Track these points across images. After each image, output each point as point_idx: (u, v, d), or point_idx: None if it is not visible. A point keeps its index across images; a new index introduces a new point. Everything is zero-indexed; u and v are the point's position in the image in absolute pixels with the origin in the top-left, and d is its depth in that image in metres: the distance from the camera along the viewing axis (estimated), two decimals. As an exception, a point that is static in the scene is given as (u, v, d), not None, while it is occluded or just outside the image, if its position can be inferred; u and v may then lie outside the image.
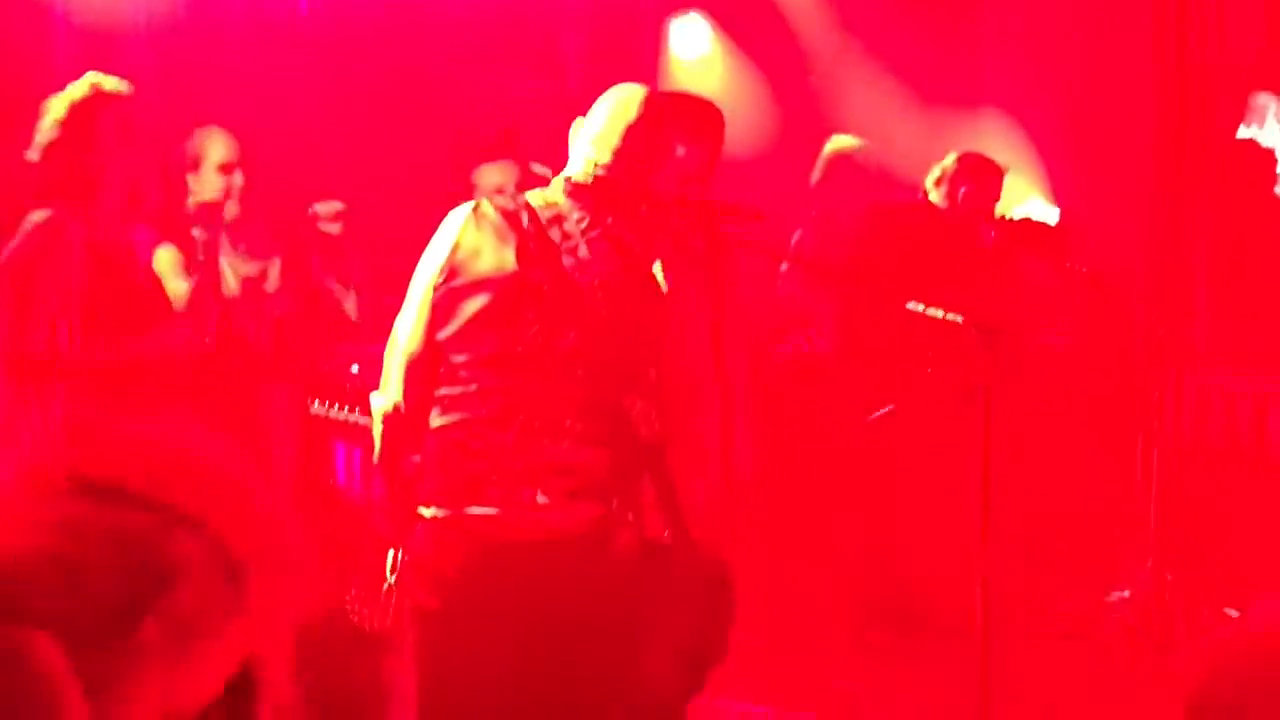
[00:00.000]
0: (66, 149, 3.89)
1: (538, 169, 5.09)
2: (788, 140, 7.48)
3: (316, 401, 5.28)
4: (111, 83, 3.98)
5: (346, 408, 5.17)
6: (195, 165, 4.63)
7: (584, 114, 3.50)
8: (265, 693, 1.48)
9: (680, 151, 3.81)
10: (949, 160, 6.23)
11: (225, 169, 4.62)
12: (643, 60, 7.87)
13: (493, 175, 5.45)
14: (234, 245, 4.72)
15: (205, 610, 1.42)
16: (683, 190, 3.79)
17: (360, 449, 6.12)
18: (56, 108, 3.92)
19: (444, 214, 3.44)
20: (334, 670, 5.39)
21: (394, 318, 3.46)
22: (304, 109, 6.61)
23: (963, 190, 6.11)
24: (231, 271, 4.66)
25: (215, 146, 4.62)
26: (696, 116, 3.92)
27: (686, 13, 8.06)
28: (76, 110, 3.91)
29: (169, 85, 5.88)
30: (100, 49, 5.83)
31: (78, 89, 3.95)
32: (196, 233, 4.61)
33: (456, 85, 7.29)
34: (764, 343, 6.58)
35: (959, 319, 3.64)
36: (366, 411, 3.68)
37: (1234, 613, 5.82)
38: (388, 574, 3.49)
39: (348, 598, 5.47)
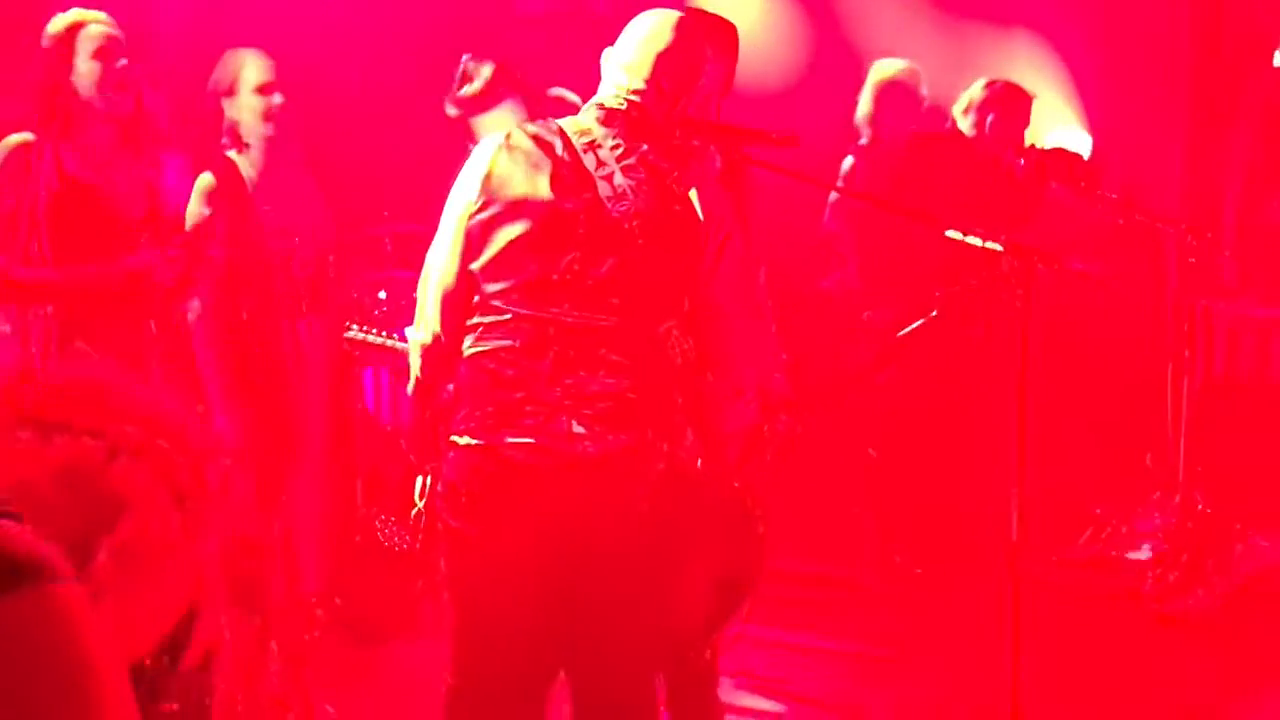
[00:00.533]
0: (46, 78, 4.05)
1: (564, 94, 5.00)
2: (820, 65, 7.40)
3: (354, 327, 5.27)
4: (91, 15, 4.10)
5: (383, 332, 5.16)
6: (231, 90, 4.57)
7: (610, 37, 3.47)
8: (201, 636, 1.47)
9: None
10: (976, 88, 6.17)
11: (264, 90, 4.56)
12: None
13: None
14: (269, 170, 4.65)
15: (155, 538, 1.40)
16: (703, 111, 3.75)
17: (389, 374, 6.14)
18: (44, 38, 4.10)
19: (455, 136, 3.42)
20: (364, 593, 5.45)
21: (416, 247, 3.44)
22: (328, 34, 6.57)
23: (990, 118, 6.06)
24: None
25: (251, 68, 4.55)
26: (717, 35, 3.87)
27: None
28: (57, 41, 4.06)
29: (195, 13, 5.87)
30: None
31: (59, 21, 4.10)
32: (233, 155, 4.58)
33: (480, 8, 7.25)
34: (805, 273, 6.56)
35: (998, 247, 3.62)
36: (402, 336, 3.68)
37: (1265, 543, 5.84)
38: (417, 499, 3.51)
39: (378, 521, 5.53)
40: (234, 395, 4.45)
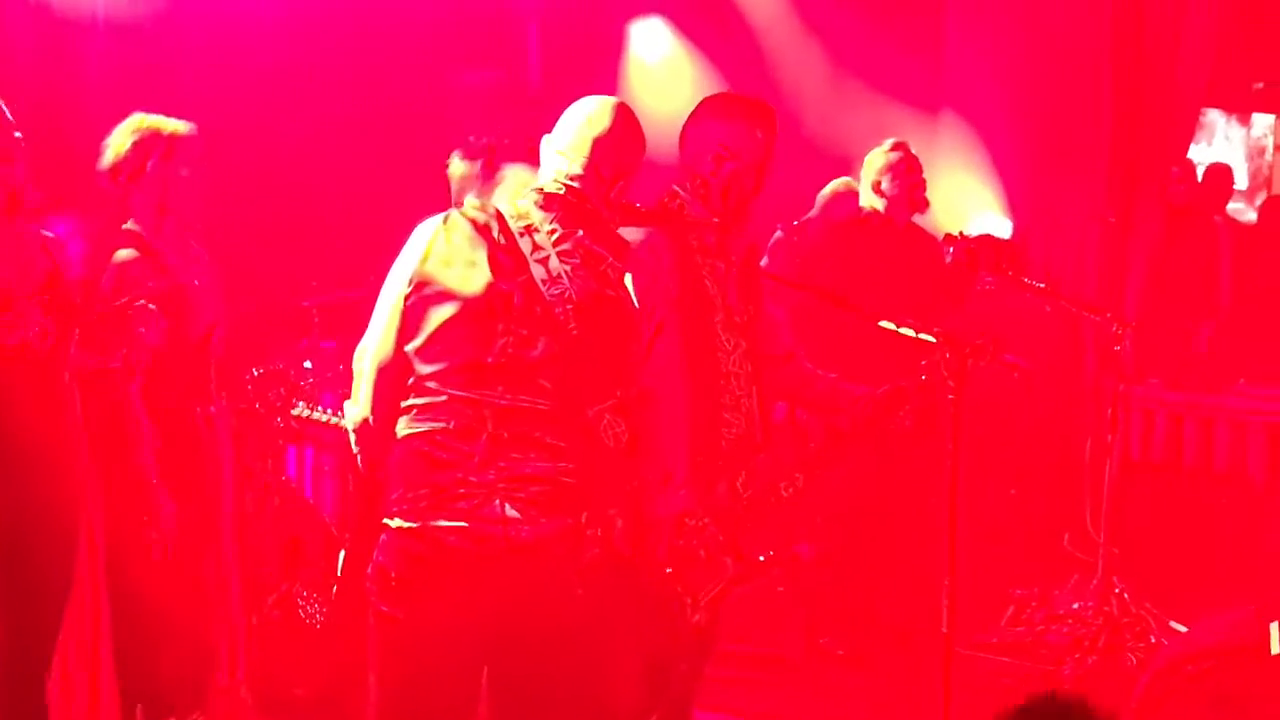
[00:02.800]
0: None
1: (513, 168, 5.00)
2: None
3: (301, 404, 5.26)
4: None
5: (327, 410, 5.13)
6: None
7: (545, 115, 3.48)
8: None
9: (759, 135, 3.83)
10: (870, 158, 6.15)
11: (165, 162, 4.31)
12: (604, 62, 7.86)
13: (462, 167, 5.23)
14: (169, 244, 4.35)
15: None
16: (741, 185, 3.78)
17: (313, 447, 6.07)
18: None
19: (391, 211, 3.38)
20: (284, 671, 5.35)
21: (353, 315, 3.41)
22: (259, 101, 6.55)
23: (886, 182, 6.02)
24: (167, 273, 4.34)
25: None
26: (757, 115, 3.90)
27: (648, 17, 8.07)
28: None
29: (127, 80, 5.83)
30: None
31: None
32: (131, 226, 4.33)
33: (417, 83, 7.28)
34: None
35: (931, 339, 3.65)
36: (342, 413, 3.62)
37: (1181, 627, 5.90)
38: (338, 573, 3.47)
39: (299, 597, 5.45)
40: (166, 483, 4.18)
